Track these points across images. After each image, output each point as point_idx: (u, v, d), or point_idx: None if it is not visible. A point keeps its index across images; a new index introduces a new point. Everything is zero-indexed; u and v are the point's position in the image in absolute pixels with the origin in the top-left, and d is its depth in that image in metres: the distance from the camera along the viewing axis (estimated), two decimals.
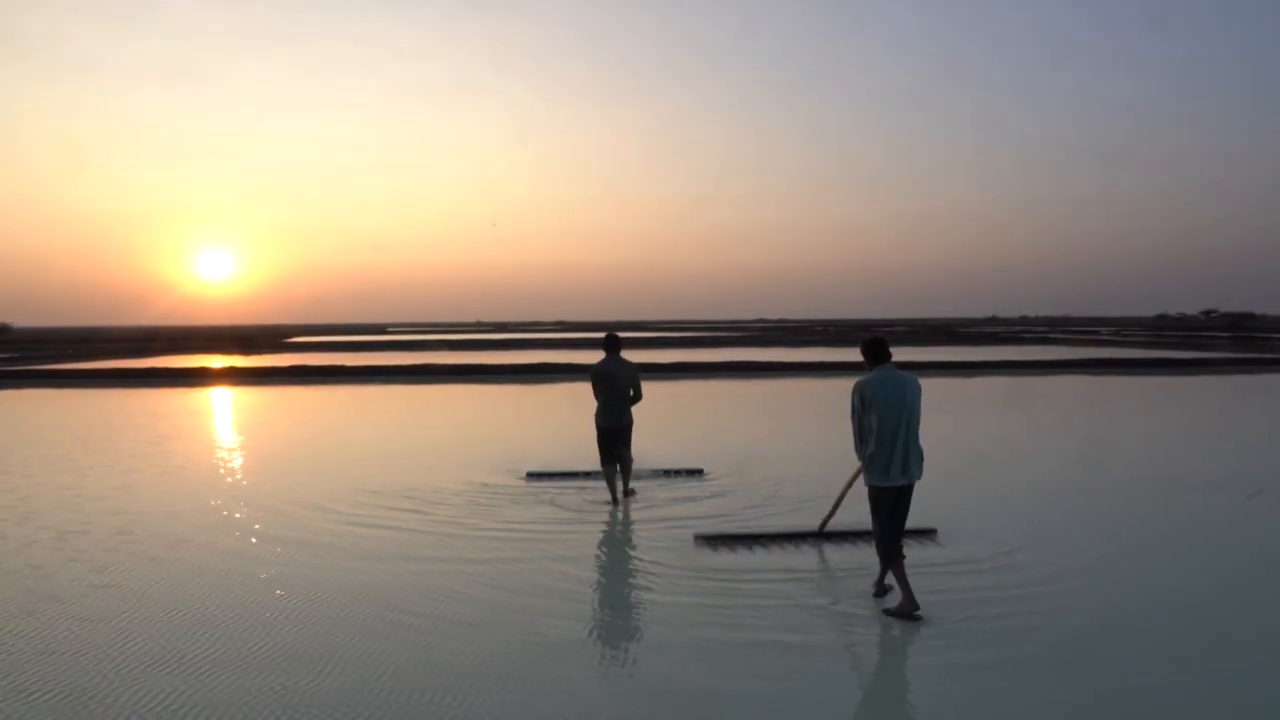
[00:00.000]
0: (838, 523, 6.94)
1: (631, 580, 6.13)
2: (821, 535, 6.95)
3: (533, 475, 9.67)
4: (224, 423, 15.79)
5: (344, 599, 5.59)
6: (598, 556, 6.76)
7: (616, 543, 7.19)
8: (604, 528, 7.58)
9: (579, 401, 17.83)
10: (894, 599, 5.37)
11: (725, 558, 6.48)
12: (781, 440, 12.97)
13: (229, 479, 9.92)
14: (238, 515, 7.99)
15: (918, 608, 5.16)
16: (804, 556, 6.56)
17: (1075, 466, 10.55)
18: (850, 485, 6.62)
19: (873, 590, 5.65)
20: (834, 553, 6.66)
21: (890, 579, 5.51)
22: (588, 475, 9.47)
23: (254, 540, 7.15)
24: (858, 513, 6.84)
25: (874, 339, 5.49)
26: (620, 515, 7.97)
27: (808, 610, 5.36)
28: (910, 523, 6.89)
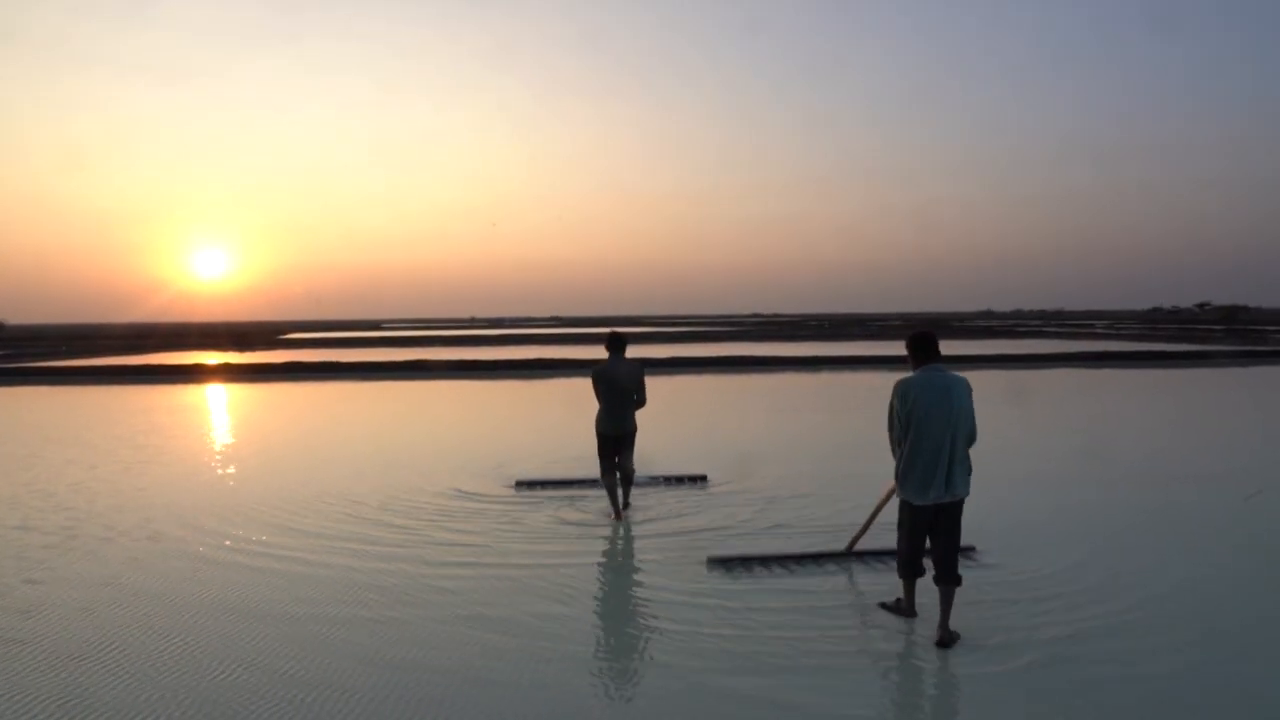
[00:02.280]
0: (868, 542, 6.28)
1: (640, 641, 4.94)
2: (850, 556, 6.27)
3: (523, 484, 8.89)
4: (204, 420, 15.60)
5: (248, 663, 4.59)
6: (592, 600, 5.62)
7: (617, 576, 6.18)
8: (602, 555, 6.64)
9: (575, 398, 17.75)
10: (890, 596, 5.28)
11: (744, 584, 5.79)
12: (786, 440, 12.42)
13: (191, 478, 9.72)
14: (187, 515, 7.80)
15: (914, 613, 5.06)
16: (831, 580, 5.87)
17: (1102, 467, 10.46)
18: (886, 501, 5.86)
19: (890, 603, 5.27)
20: (864, 575, 5.98)
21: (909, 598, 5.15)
22: (582, 484, 8.82)
23: (191, 543, 6.91)
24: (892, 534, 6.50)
25: (921, 334, 4.92)
26: (622, 534, 7.19)
27: (837, 646, 4.76)
28: None
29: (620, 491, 7.70)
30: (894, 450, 4.88)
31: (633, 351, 8.08)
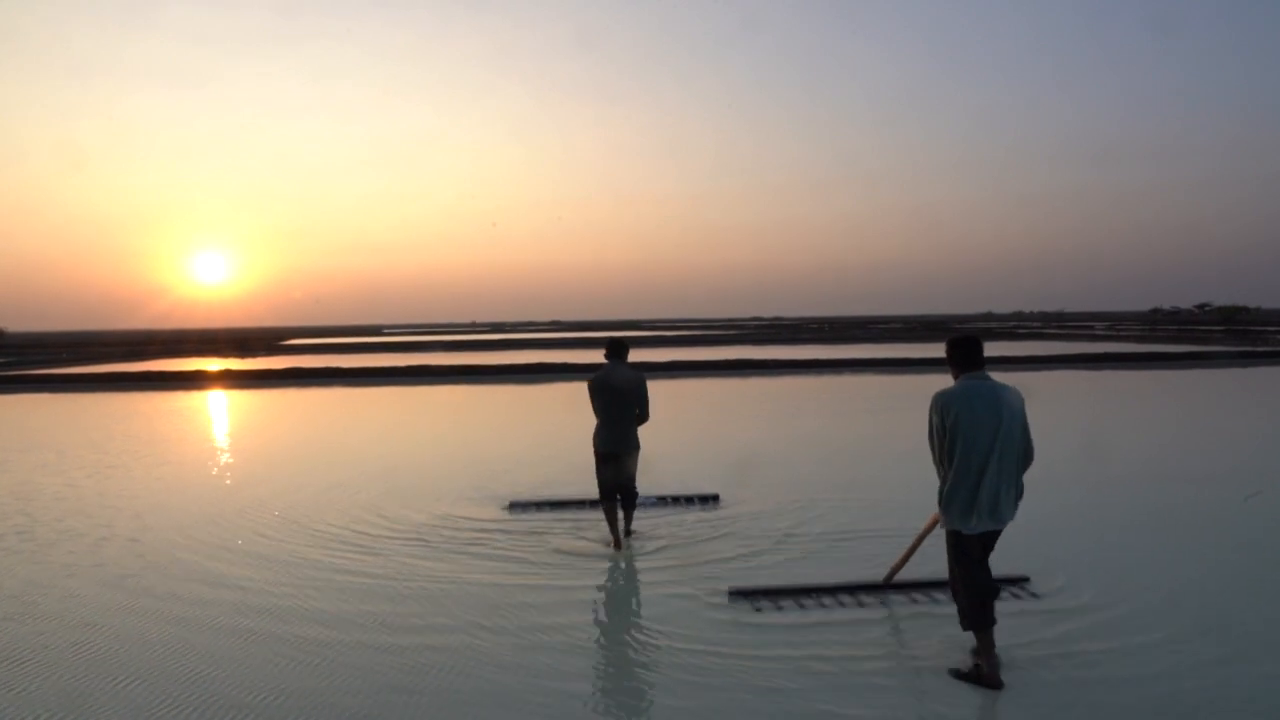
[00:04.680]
0: (910, 573, 5.66)
1: (649, 688, 4.28)
2: (889, 588, 5.63)
3: (516, 506, 8.10)
4: (190, 427, 15.52)
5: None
6: (594, 651, 4.76)
7: (619, 619, 5.31)
8: (600, 591, 5.81)
9: (576, 404, 17.70)
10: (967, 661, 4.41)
11: (770, 619, 5.16)
12: (801, 450, 11.70)
13: (153, 487, 9.59)
14: (133, 524, 7.75)
15: (1000, 682, 4.15)
16: (870, 617, 5.19)
17: (1102, 468, 10.42)
18: (931, 527, 5.22)
19: (967, 669, 4.32)
20: (906, 610, 5.30)
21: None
22: (582, 505, 8.06)
23: (130, 552, 6.85)
24: (937, 560, 5.71)
25: (962, 339, 4.33)
26: (624, 567, 6.36)
27: (881, 693, 4.14)
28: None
29: (621, 516, 6.91)
30: (939, 471, 4.32)
31: (632, 355, 7.32)
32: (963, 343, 4.30)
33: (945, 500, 4.21)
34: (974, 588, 4.21)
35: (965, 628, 4.28)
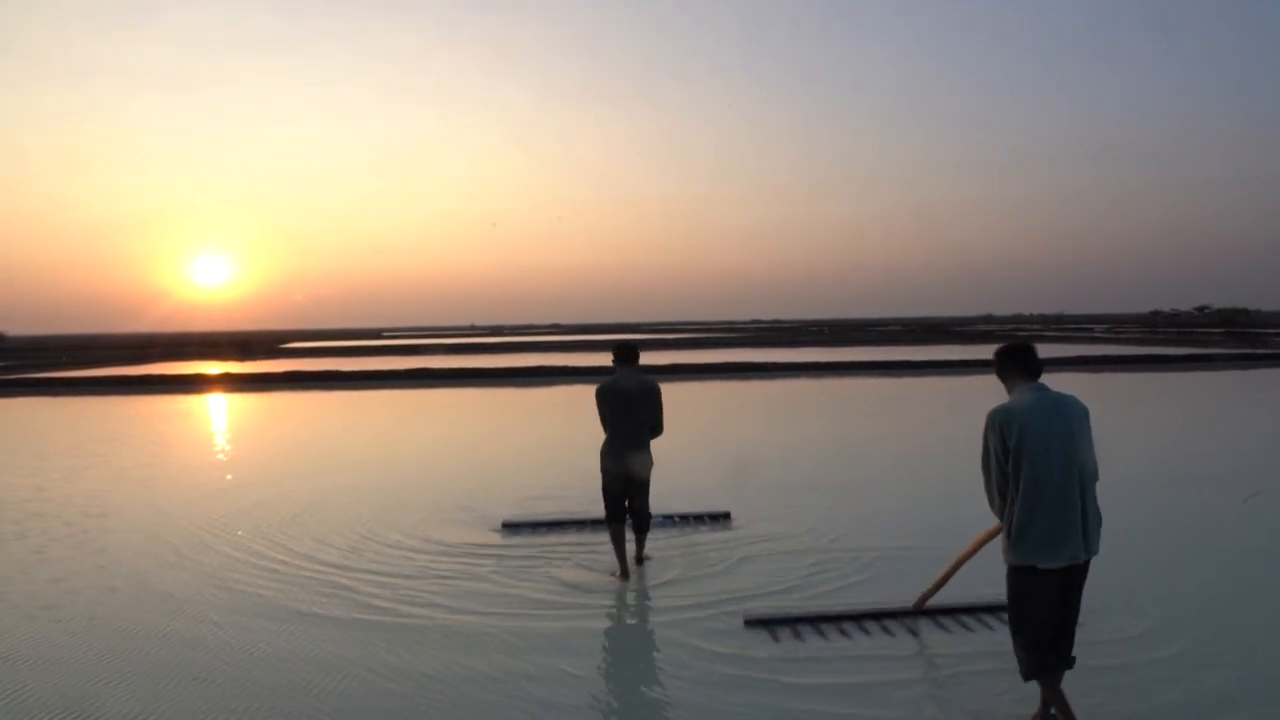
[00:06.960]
0: (942, 599, 5.20)
1: None
2: (919, 614, 5.21)
3: (510, 526, 7.42)
4: (180, 431, 15.49)
5: None
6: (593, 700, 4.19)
7: (627, 652, 4.90)
8: (607, 623, 5.28)
9: (578, 406, 17.66)
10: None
11: (791, 652, 4.68)
12: (813, 460, 11.20)
13: (117, 494, 9.33)
14: (84, 533, 7.60)
15: None
16: (899, 645, 4.78)
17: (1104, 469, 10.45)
18: (974, 551, 4.76)
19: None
20: (938, 640, 4.85)
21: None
22: (583, 525, 7.42)
23: (74, 564, 6.60)
24: (965, 584, 5.21)
25: (1017, 347, 3.79)
26: (632, 595, 5.75)
27: None
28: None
29: (632, 541, 6.31)
30: (993, 501, 3.73)
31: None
32: (1017, 351, 3.77)
33: (1017, 532, 3.58)
34: (1042, 634, 3.62)
35: (1027, 677, 3.68)
